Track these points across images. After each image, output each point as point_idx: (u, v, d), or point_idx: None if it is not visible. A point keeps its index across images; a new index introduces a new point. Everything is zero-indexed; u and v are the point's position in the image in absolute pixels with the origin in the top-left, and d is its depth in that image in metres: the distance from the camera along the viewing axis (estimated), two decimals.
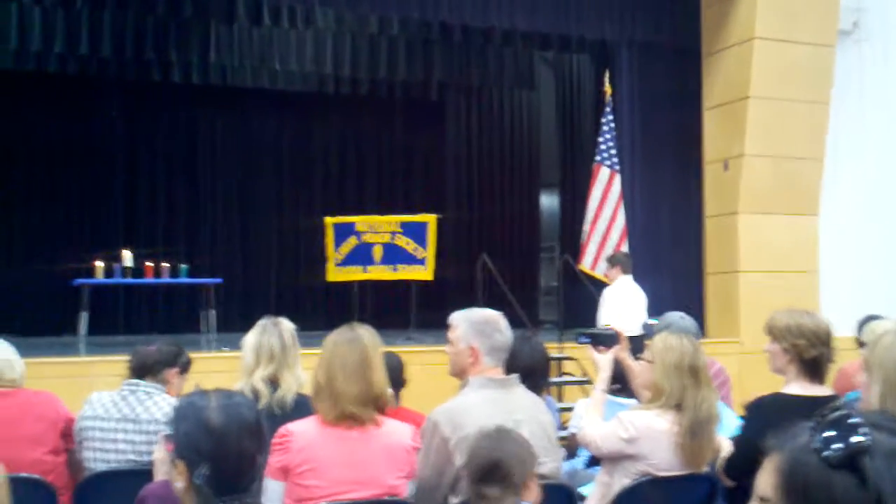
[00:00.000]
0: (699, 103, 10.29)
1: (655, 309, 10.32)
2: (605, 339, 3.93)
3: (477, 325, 3.32)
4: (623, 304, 8.12)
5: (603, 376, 3.87)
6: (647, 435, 3.40)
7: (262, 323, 3.93)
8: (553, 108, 14.70)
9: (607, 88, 10.06)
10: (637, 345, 7.32)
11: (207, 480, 1.87)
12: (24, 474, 3.49)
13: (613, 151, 9.74)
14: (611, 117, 9.90)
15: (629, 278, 8.49)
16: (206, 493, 1.88)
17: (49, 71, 11.95)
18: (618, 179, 9.70)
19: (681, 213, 10.46)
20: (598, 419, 3.66)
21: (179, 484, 1.93)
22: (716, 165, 10.02)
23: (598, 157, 9.84)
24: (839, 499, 1.05)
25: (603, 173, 9.73)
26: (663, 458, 3.39)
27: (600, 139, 9.89)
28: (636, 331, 7.37)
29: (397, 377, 4.23)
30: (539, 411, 3.35)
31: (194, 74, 12.64)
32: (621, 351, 3.96)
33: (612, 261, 8.66)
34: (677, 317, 4.56)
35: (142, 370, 3.93)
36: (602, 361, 3.89)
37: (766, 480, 1.13)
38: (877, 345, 2.53)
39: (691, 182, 10.40)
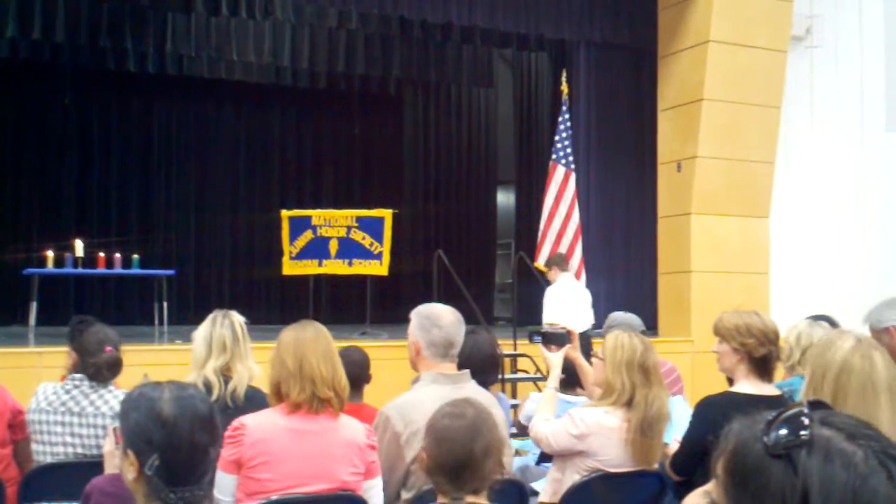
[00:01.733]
0: (654, 104, 10.39)
1: (609, 307, 10.46)
2: (557, 338, 3.97)
3: (420, 320, 3.37)
4: (565, 302, 8.20)
5: (554, 374, 3.91)
6: (597, 431, 3.44)
7: (213, 315, 3.91)
8: (510, 106, 14.76)
9: (564, 88, 10.12)
10: (583, 343, 7.54)
11: (158, 471, 1.86)
12: None
13: (570, 150, 9.82)
14: (567, 116, 9.97)
15: (569, 276, 8.56)
16: (156, 483, 1.87)
17: (0, 56, 11.72)
18: (573, 178, 9.77)
19: (635, 212, 10.58)
20: (549, 416, 3.70)
21: (130, 475, 1.91)
22: (670, 166, 10.13)
23: (554, 156, 9.91)
24: (771, 487, 1.08)
25: (559, 172, 9.79)
26: (613, 455, 3.44)
27: (557, 138, 9.96)
28: (582, 328, 7.58)
29: (362, 373, 4.22)
30: (490, 407, 3.37)
31: (150, 64, 12.48)
32: (573, 350, 4.00)
33: (549, 264, 8.74)
34: (621, 314, 4.72)
35: (98, 377, 3.83)
36: (553, 360, 3.93)
37: (718, 460, 1.18)
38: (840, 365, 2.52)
39: (646, 182, 10.52)
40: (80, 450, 3.70)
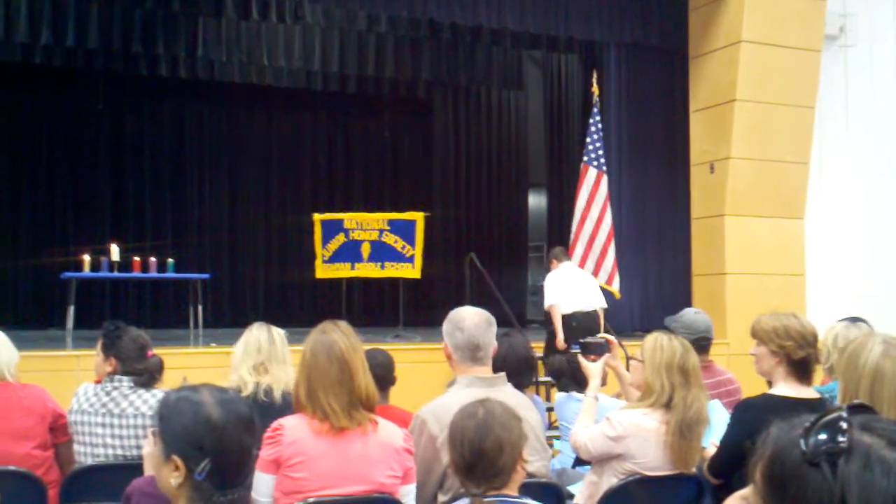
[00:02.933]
0: (686, 105, 10.33)
1: (643, 309, 10.40)
2: (596, 348, 3.97)
3: (446, 324, 3.41)
4: (564, 285, 8.28)
5: (594, 384, 3.90)
6: (635, 433, 3.42)
7: (254, 325, 4.07)
8: (541, 108, 14.73)
9: (595, 89, 10.07)
10: (587, 321, 7.61)
11: (209, 476, 1.86)
12: (12, 467, 3.49)
13: (601, 152, 9.76)
14: (598, 118, 9.92)
15: (569, 264, 8.61)
16: (206, 488, 1.87)
17: (35, 62, 11.87)
18: (605, 180, 9.72)
19: (667, 214, 10.51)
20: (589, 424, 3.68)
21: (174, 481, 1.90)
22: (702, 167, 10.06)
23: (585, 158, 9.86)
24: (809, 494, 1.08)
25: (590, 174, 9.74)
26: (651, 457, 3.42)
27: (588, 140, 9.91)
28: (583, 308, 7.97)
29: (387, 374, 4.25)
30: (525, 410, 3.36)
31: (182, 69, 12.58)
32: (612, 359, 3.99)
33: (550, 256, 8.82)
34: (692, 312, 4.77)
35: (151, 382, 3.93)
36: (592, 369, 3.92)
37: (756, 465, 1.17)
38: (869, 366, 2.51)
39: (678, 184, 10.45)
40: (120, 451, 3.74)
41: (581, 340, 4.08)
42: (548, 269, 8.83)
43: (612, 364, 3.99)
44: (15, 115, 12.84)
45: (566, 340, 8.00)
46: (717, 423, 3.73)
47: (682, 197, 10.39)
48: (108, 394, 3.80)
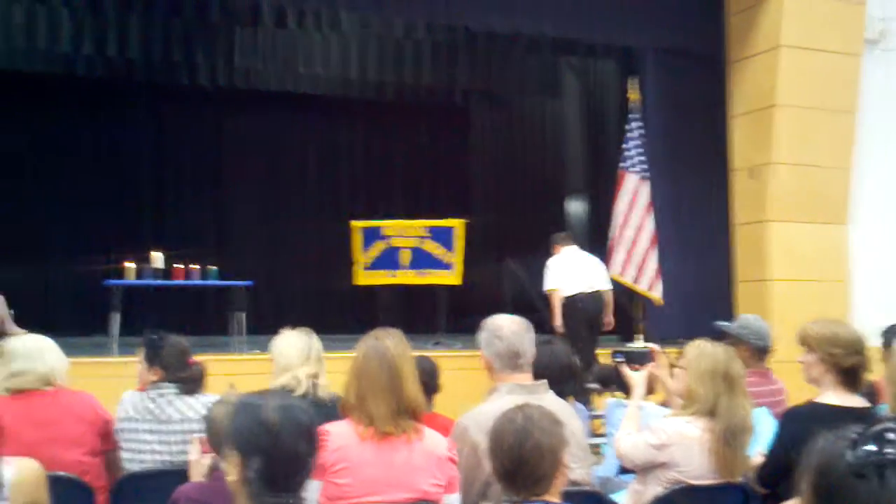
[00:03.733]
0: (725, 111, 10.25)
1: (686, 317, 10.31)
2: (639, 357, 3.99)
3: (484, 335, 3.43)
4: (564, 268, 8.48)
5: (638, 392, 3.89)
6: (679, 441, 3.40)
7: (304, 330, 4.07)
8: (578, 115, 14.66)
9: (632, 94, 10.03)
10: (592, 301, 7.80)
11: (259, 474, 1.91)
12: (62, 473, 3.53)
13: (642, 158, 9.71)
14: (637, 124, 9.87)
15: (572, 248, 8.77)
16: (257, 486, 1.93)
17: (77, 73, 12.03)
18: (646, 186, 9.66)
19: (706, 220, 10.41)
20: (631, 432, 3.67)
21: (232, 476, 1.96)
22: (742, 173, 9.98)
23: (623, 164, 9.82)
24: None
25: (629, 180, 9.69)
26: (696, 466, 3.39)
27: (625, 146, 9.86)
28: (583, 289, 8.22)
29: (432, 382, 4.26)
30: (568, 417, 3.36)
31: (220, 77, 12.68)
32: (656, 368, 3.98)
33: (551, 242, 9.03)
34: (753, 318, 4.93)
35: (196, 389, 3.99)
36: (636, 379, 3.91)
37: (803, 476, 1.16)
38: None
39: (718, 190, 10.36)
40: (167, 457, 3.79)
41: (625, 350, 4.08)
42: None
43: (656, 373, 3.98)
44: (58, 125, 13.01)
45: (566, 324, 8.07)
46: (764, 431, 3.70)
47: (721, 203, 10.29)
48: (153, 401, 3.86)
